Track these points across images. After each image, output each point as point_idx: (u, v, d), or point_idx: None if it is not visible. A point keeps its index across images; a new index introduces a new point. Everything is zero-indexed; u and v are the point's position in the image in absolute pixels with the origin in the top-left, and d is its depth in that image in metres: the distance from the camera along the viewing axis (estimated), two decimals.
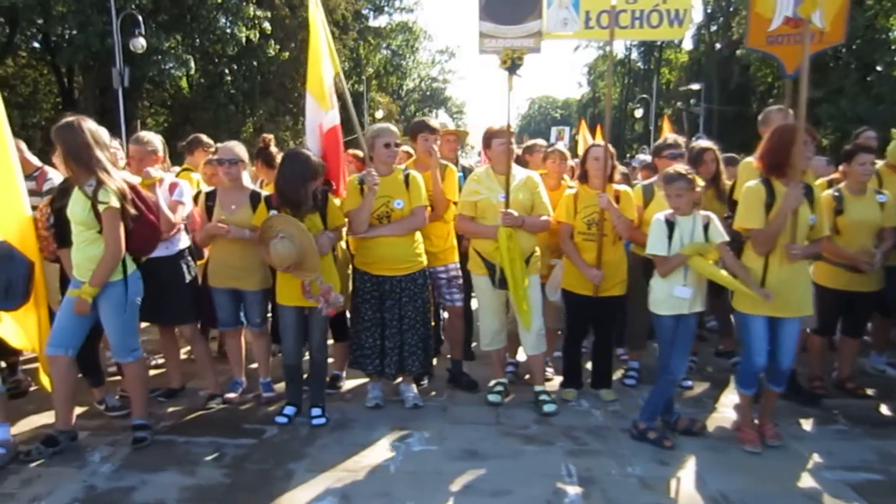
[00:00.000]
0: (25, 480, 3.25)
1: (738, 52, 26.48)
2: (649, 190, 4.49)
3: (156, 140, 4.24)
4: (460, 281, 4.61)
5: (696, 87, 29.23)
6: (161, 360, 4.94)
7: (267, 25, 23.95)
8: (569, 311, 4.45)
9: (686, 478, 3.37)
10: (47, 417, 3.90)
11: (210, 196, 4.19)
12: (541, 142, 5.60)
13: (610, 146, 4.24)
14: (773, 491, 3.24)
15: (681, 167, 3.72)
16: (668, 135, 4.71)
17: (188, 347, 4.69)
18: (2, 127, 3.78)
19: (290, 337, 4.03)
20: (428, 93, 52.76)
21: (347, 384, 4.68)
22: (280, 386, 4.40)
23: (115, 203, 3.38)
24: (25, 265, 3.60)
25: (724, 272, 3.58)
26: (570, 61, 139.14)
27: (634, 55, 59.13)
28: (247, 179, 4.30)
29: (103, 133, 3.53)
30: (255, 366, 4.53)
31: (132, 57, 18.32)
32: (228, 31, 23.36)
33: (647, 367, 4.78)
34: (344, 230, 4.15)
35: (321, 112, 4.23)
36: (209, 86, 24.16)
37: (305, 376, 4.19)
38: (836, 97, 22.89)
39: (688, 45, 55.70)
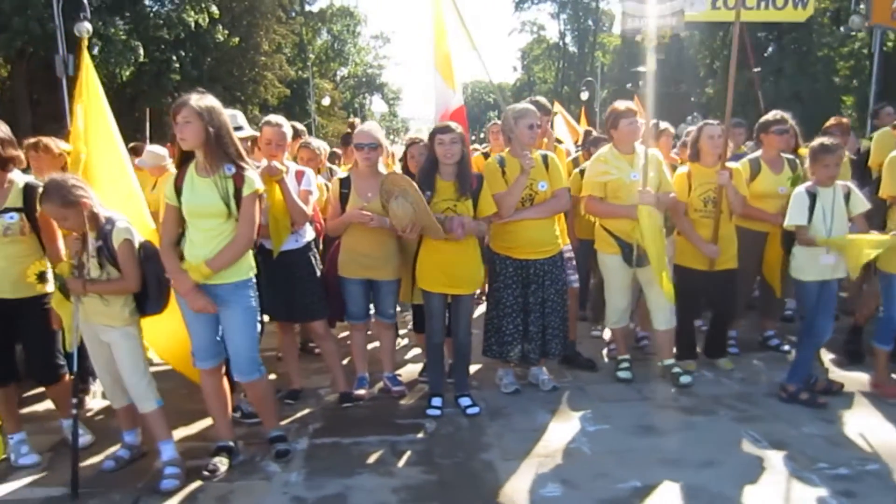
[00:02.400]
0: (220, 497, 3.03)
1: (681, 34, 27.48)
2: (756, 164, 4.62)
3: (287, 124, 3.97)
4: (574, 262, 4.60)
5: (642, 69, 30.03)
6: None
7: (215, 9, 22.88)
8: (684, 287, 4.48)
9: (863, 432, 3.52)
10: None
11: (344, 183, 3.99)
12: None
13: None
14: None
15: (827, 140, 3.84)
16: (774, 111, 4.81)
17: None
18: (110, 129, 3.49)
19: (437, 321, 3.92)
20: (364, 79, 51.91)
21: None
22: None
23: (262, 186, 3.17)
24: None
25: (874, 235, 3.72)
26: (503, 46, 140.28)
27: (568, 39, 60.41)
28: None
29: None
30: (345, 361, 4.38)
31: (72, 43, 17.04)
32: (174, 14, 22.12)
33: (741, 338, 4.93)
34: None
35: (449, 92, 4.11)
36: (155, 73, 22.79)
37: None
38: (777, 77, 24.19)
39: (617, 29, 57.49)
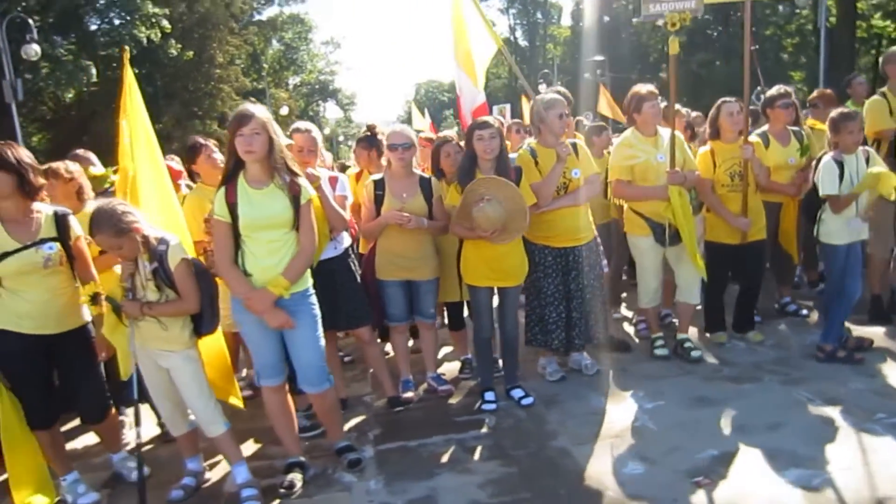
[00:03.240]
0: None
1: (634, 20, 28.06)
2: (765, 138, 4.76)
3: (316, 129, 3.91)
4: (601, 248, 4.67)
5: (599, 58, 30.57)
6: None
7: (166, 23, 22.33)
8: (713, 261, 4.59)
9: None
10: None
11: (378, 184, 3.96)
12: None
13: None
14: None
15: (843, 109, 3.99)
16: (780, 86, 4.97)
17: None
18: (153, 144, 3.40)
19: (485, 315, 3.94)
20: (317, 86, 51.38)
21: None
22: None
23: (314, 193, 3.13)
24: (213, 284, 3.25)
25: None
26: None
27: (518, 33, 60.90)
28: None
29: None
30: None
31: (19, 67, 16.40)
32: (124, 31, 21.50)
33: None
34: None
35: (475, 89, 4.12)
36: (108, 93, 22.12)
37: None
38: (730, 57, 24.92)
39: (566, 20, 58.24)
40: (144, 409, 3.91)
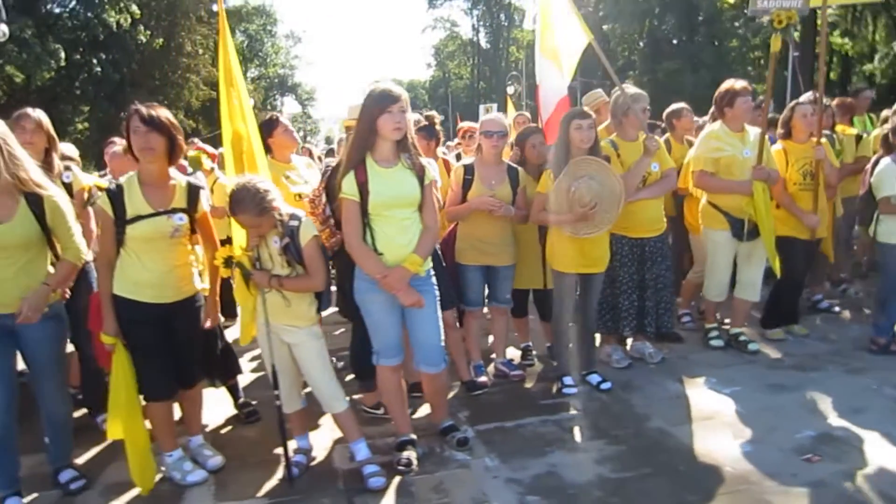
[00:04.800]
0: (435, 488, 2.99)
1: (605, 27, 28.77)
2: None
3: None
4: None
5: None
6: None
7: (136, 8, 21.63)
8: (789, 256, 4.61)
9: None
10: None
11: (468, 169, 4.00)
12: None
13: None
14: None
15: None
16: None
17: None
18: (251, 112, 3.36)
19: (570, 302, 4.02)
20: (276, 79, 50.55)
21: None
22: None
23: (436, 174, 3.20)
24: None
25: None
26: (417, 43, 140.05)
27: (481, 34, 61.40)
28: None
29: None
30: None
31: None
32: (92, 14, 20.71)
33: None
34: None
35: (561, 80, 4.21)
36: (73, 77, 21.27)
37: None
38: (697, 67, 25.82)
39: (529, 24, 58.96)
40: (221, 391, 3.92)
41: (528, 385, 4.24)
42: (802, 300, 5.43)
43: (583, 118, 3.76)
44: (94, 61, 21.59)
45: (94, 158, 18.78)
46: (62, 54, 18.88)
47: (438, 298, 3.18)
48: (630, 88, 4.16)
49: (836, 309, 5.37)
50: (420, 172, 3.04)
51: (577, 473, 3.05)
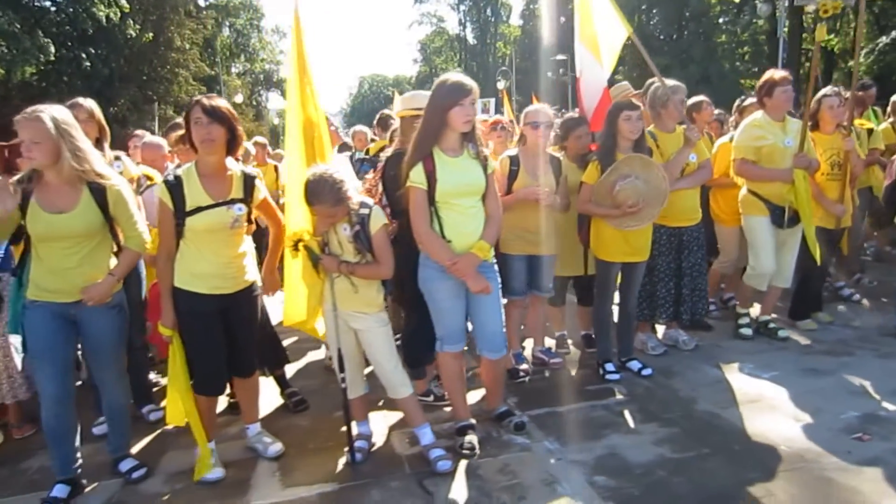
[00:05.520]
0: (501, 470, 3.06)
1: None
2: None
3: None
4: None
5: (561, 57, 31.29)
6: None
7: (124, 2, 21.34)
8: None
9: None
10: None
11: (513, 160, 4.06)
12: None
13: None
14: None
15: None
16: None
17: None
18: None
19: (612, 290, 4.12)
20: (260, 75, 50.13)
21: None
22: None
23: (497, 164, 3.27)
24: None
25: None
26: (403, 38, 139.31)
27: (468, 30, 61.41)
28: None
29: None
30: None
31: None
32: (80, 8, 20.39)
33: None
34: None
35: (601, 71, 4.28)
36: (61, 73, 20.94)
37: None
38: (686, 62, 26.09)
39: (515, 20, 59.08)
40: (269, 380, 3.95)
41: (569, 372, 4.32)
42: (830, 294, 5.59)
43: (632, 109, 3.84)
44: (83, 56, 21.21)
45: None
46: (52, 48, 18.56)
47: (500, 286, 3.24)
48: (671, 83, 4.24)
49: (857, 297, 5.51)
50: (484, 162, 3.10)
51: (638, 454, 3.13)
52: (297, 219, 3.15)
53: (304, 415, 3.87)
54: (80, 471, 3.09)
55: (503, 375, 3.52)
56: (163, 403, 4.07)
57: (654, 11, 30.45)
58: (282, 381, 4.02)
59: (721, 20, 27.07)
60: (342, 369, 3.14)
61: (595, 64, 4.32)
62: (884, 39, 19.60)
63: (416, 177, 3.01)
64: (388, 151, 3.73)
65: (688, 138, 4.06)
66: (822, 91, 4.87)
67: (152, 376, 4.36)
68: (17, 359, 3.73)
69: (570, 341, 4.76)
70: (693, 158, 4.25)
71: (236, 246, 3.07)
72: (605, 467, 3.03)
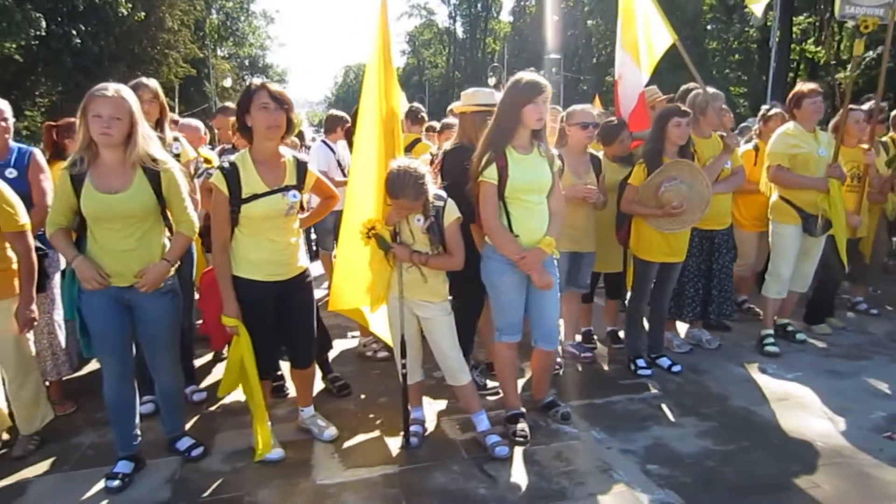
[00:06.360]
0: (557, 456, 3.18)
1: (590, 23, 29.20)
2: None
3: None
4: None
5: (555, 56, 31.59)
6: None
7: None
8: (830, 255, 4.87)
9: None
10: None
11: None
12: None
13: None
14: None
15: None
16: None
17: None
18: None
19: (648, 289, 4.26)
20: (247, 60, 49.57)
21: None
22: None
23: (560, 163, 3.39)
24: None
25: None
26: (391, 29, 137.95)
27: (458, 24, 61.34)
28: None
29: None
30: None
31: None
32: None
33: None
34: None
35: (639, 75, 4.41)
36: (52, 50, 20.49)
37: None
38: (676, 68, 26.42)
39: (506, 16, 59.17)
40: None
41: (600, 366, 4.47)
42: (841, 301, 5.78)
43: (682, 116, 3.97)
44: (73, 32, 20.77)
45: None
46: (43, 23, 18.15)
47: (559, 281, 3.36)
48: (710, 90, 4.39)
49: (875, 311, 5.64)
50: (551, 160, 3.21)
51: (683, 446, 3.29)
52: (364, 206, 3.21)
53: (348, 400, 3.95)
54: (139, 448, 3.14)
55: (553, 367, 3.64)
56: (203, 384, 4.17)
57: None
58: (325, 367, 4.09)
59: (710, 27, 27.47)
60: (403, 355, 3.23)
61: (634, 68, 4.46)
62: (870, 54, 20.08)
63: (489, 172, 3.10)
64: (447, 145, 3.81)
65: (727, 145, 4.22)
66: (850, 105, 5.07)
67: None
68: (62, 336, 3.75)
69: (595, 337, 4.91)
70: (728, 164, 4.41)
71: (290, 233, 3.09)
72: (655, 457, 3.17)
